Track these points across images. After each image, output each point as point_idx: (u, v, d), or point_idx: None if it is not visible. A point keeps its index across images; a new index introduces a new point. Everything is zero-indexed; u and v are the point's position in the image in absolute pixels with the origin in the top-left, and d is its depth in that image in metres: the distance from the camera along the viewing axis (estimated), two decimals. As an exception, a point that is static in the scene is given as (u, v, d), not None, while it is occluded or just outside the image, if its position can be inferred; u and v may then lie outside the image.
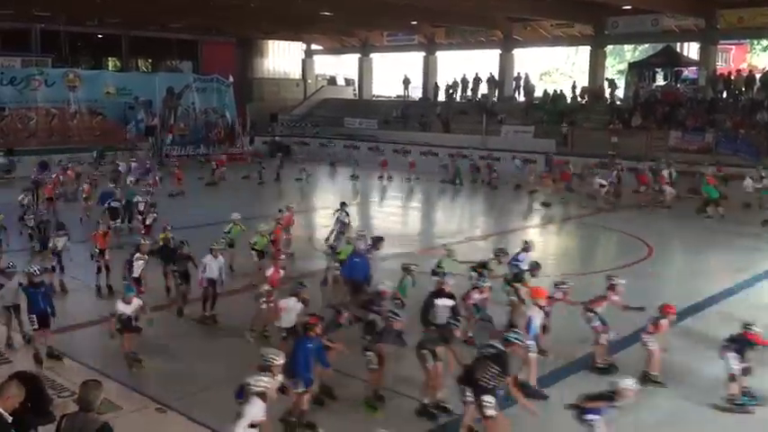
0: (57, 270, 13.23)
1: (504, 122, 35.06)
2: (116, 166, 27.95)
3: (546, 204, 24.17)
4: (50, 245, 13.58)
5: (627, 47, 49.20)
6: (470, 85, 40.19)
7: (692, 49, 37.86)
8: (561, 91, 37.41)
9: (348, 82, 50.04)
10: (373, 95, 47.33)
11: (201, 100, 39.00)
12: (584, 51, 40.09)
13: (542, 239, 20.40)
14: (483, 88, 39.74)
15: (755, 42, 43.68)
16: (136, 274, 11.64)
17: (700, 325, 11.46)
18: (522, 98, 38.47)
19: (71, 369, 9.62)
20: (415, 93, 44.67)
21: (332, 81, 50.16)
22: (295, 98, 47.03)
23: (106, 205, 18.39)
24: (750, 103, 29.41)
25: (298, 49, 49.10)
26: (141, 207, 18.23)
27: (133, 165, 28.27)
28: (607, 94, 35.76)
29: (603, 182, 23.64)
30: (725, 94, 31.63)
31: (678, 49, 37.20)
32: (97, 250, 13.33)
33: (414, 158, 32.46)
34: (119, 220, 18.06)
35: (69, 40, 37.31)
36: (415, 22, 38.66)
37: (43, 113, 34.40)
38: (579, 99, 35.91)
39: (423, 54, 43.23)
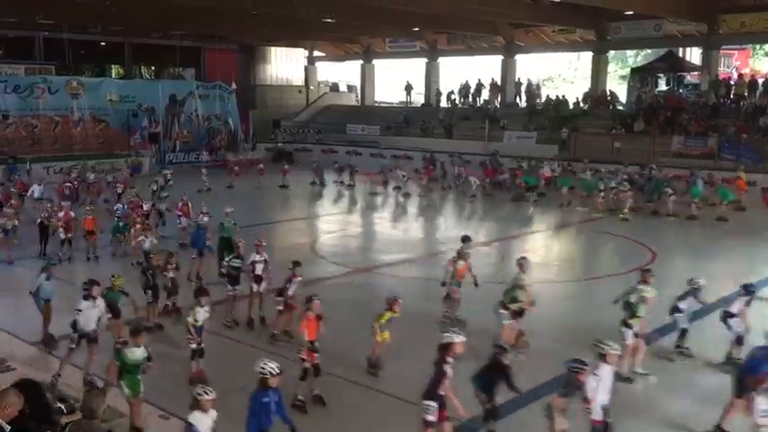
0: (196, 357, 9.68)
1: (507, 128, 35.09)
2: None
3: (373, 194, 27.97)
4: (190, 318, 9.76)
5: (629, 52, 49.28)
6: (472, 91, 40.27)
7: (694, 54, 37.90)
8: (564, 96, 37.46)
9: (350, 88, 50.19)
10: (375, 102, 47.47)
11: (204, 107, 39.15)
12: (587, 57, 40.16)
13: (545, 245, 20.45)
14: (485, 94, 39.82)
15: (758, 47, 43.69)
16: (443, 391, 7.55)
17: (706, 330, 11.37)
18: (524, 104, 38.52)
19: (74, 376, 9.60)
20: (418, 99, 44.77)
21: (334, 88, 50.30)
22: (297, 105, 47.11)
23: (225, 263, 12.75)
24: (753, 108, 29.39)
25: (300, 56, 49.22)
26: (260, 269, 12.10)
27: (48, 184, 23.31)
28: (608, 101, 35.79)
29: (404, 173, 28.39)
30: (728, 100, 31.60)
31: (680, 54, 37.24)
32: (309, 343, 9.14)
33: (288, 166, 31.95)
34: (238, 287, 12.35)
35: (73, 47, 37.39)
36: (416, 29, 38.74)
37: (47, 121, 34.54)
38: (582, 105, 35.92)
39: (425, 60, 43.35)
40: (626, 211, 22.54)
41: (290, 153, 38.72)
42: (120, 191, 23.10)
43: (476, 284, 12.01)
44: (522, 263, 11.31)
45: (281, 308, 11.26)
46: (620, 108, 34.94)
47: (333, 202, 28.09)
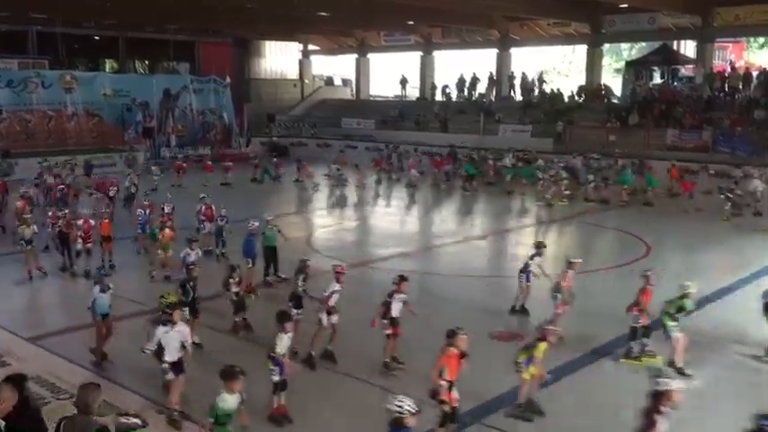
0: (278, 391, 8.30)
1: (502, 122, 35.08)
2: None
3: (315, 187, 27.64)
4: (278, 348, 8.14)
5: (624, 45, 49.24)
6: (467, 84, 40.23)
7: (688, 47, 37.93)
8: (559, 90, 37.45)
9: (345, 82, 50.08)
10: (370, 95, 47.35)
11: (199, 101, 39.06)
12: (581, 50, 40.16)
13: (541, 239, 20.41)
14: (480, 87, 39.78)
15: (752, 40, 43.74)
16: None
17: (701, 322, 11.39)
18: (519, 97, 38.51)
19: (69, 371, 9.58)
20: (413, 93, 44.70)
21: (329, 81, 50.16)
22: (292, 98, 47.02)
23: (300, 287, 10.55)
24: (747, 101, 29.45)
25: (295, 50, 49.10)
26: (334, 300, 10.23)
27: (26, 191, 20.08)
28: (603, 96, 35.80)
29: (338, 167, 28.95)
30: (722, 92, 31.64)
31: (675, 48, 37.26)
32: (448, 383, 7.65)
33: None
34: (302, 311, 10.47)
35: (66, 41, 37.24)
36: (411, 22, 38.67)
37: (40, 115, 34.41)
38: (577, 98, 35.92)
39: (420, 54, 43.27)
40: (548, 196, 24.35)
41: (285, 147, 38.64)
42: (112, 193, 20.94)
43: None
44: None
45: (389, 331, 9.75)
46: (615, 101, 34.98)
47: (279, 200, 27.09)
